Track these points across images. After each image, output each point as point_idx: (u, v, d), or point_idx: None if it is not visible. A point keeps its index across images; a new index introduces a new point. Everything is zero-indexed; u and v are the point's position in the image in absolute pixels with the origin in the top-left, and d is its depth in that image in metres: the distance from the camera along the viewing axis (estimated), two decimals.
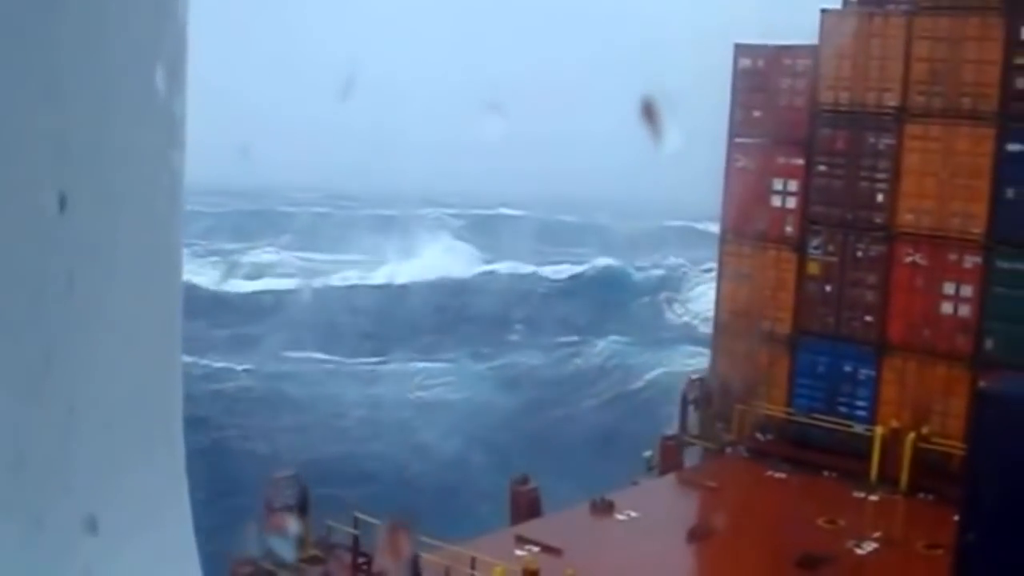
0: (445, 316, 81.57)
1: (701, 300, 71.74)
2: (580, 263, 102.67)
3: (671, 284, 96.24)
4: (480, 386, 66.10)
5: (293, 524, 27.50)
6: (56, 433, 2.52)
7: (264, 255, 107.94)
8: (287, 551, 27.34)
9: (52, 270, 2.44)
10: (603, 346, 74.73)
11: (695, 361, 50.01)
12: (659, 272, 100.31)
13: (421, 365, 69.82)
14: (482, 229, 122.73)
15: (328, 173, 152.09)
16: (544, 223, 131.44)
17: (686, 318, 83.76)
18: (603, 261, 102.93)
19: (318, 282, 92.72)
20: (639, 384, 67.14)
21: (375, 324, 77.03)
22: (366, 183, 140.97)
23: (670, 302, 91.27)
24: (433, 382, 66.85)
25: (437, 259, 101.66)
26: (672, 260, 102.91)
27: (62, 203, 2.41)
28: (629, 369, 70.39)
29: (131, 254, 2.63)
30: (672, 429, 36.59)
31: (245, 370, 65.13)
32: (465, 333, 76.58)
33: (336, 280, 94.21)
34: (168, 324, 2.81)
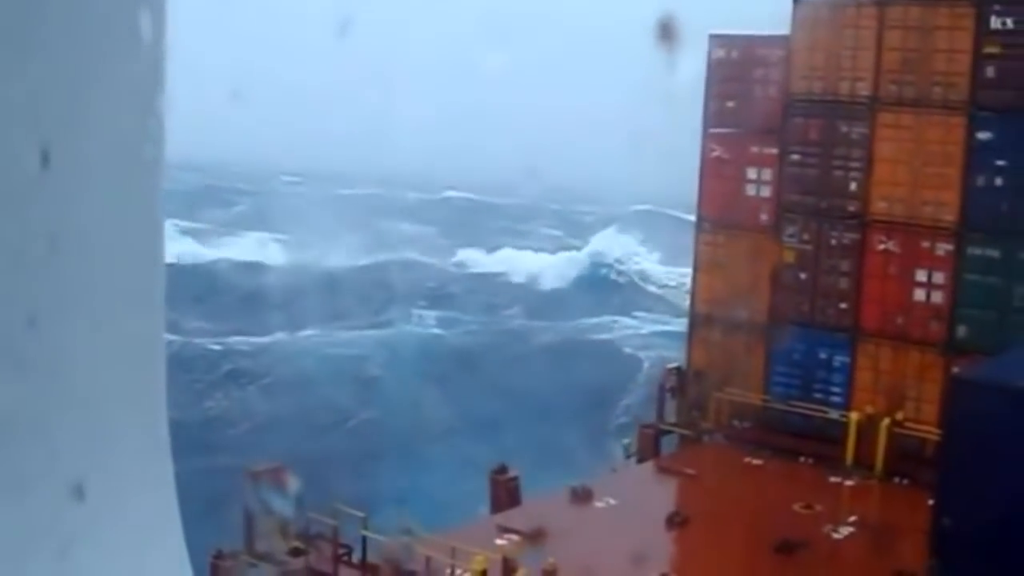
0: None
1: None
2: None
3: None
4: None
5: (293, 481, 27.43)
6: (40, 398, 2.49)
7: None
8: (287, 508, 27.34)
9: (34, 230, 2.41)
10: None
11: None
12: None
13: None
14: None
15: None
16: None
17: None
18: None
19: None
20: None
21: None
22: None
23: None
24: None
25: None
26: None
27: (44, 159, 2.38)
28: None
29: (114, 213, 2.60)
30: (650, 417, 36.85)
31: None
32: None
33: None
34: (151, 287, 2.80)
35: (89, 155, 2.49)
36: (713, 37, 36.49)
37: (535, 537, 24.11)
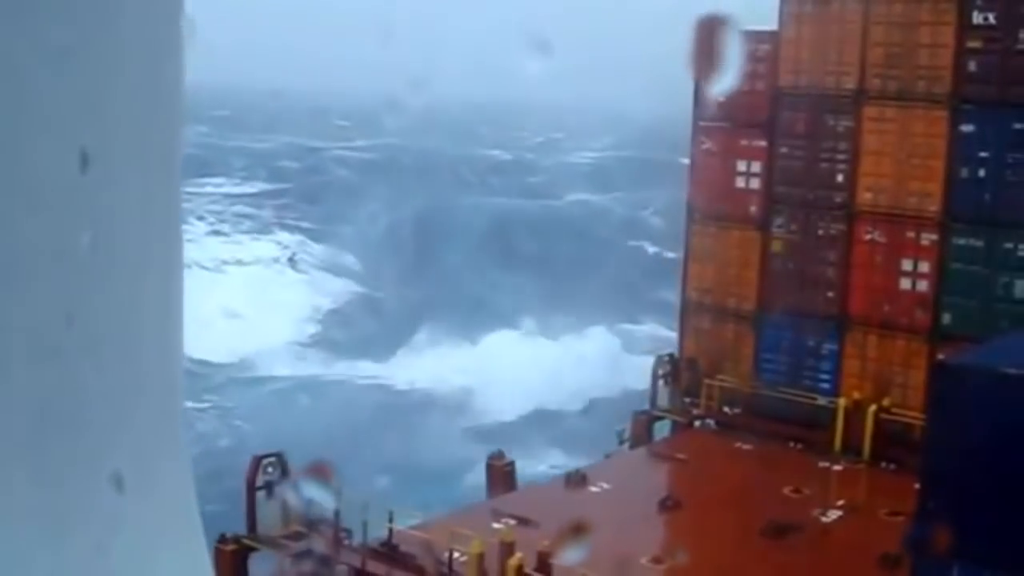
0: None
1: None
2: None
3: None
4: None
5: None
6: (78, 392, 2.56)
7: None
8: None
9: (74, 230, 2.48)
10: None
11: None
12: None
13: None
14: None
15: None
16: None
17: None
18: None
19: None
20: None
21: None
22: None
23: None
24: None
25: None
26: None
27: (84, 162, 2.44)
28: None
29: (145, 214, 2.68)
30: (644, 404, 37.25)
31: None
32: None
33: None
34: (174, 284, 2.88)
35: (124, 158, 2.57)
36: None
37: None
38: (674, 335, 38.89)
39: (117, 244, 2.59)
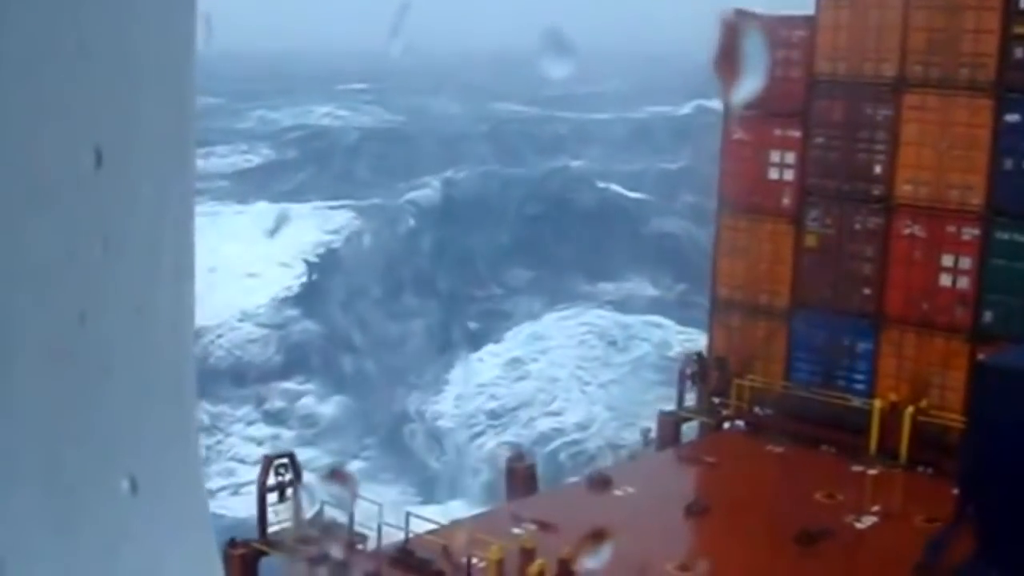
0: None
1: None
2: None
3: None
4: None
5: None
6: (90, 394, 2.56)
7: None
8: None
9: (88, 230, 2.49)
10: None
11: None
12: None
13: None
14: None
15: None
16: None
17: None
18: None
19: None
20: None
21: None
22: None
23: None
24: None
25: None
26: None
27: (98, 160, 2.45)
28: None
29: (158, 213, 2.69)
30: (671, 404, 36.65)
31: None
32: None
33: None
34: (187, 282, 2.88)
35: (139, 156, 2.58)
36: (734, 14, 35.93)
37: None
38: None
39: (129, 243, 2.60)
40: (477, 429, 60.14)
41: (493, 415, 61.00)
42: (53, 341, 2.48)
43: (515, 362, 66.10)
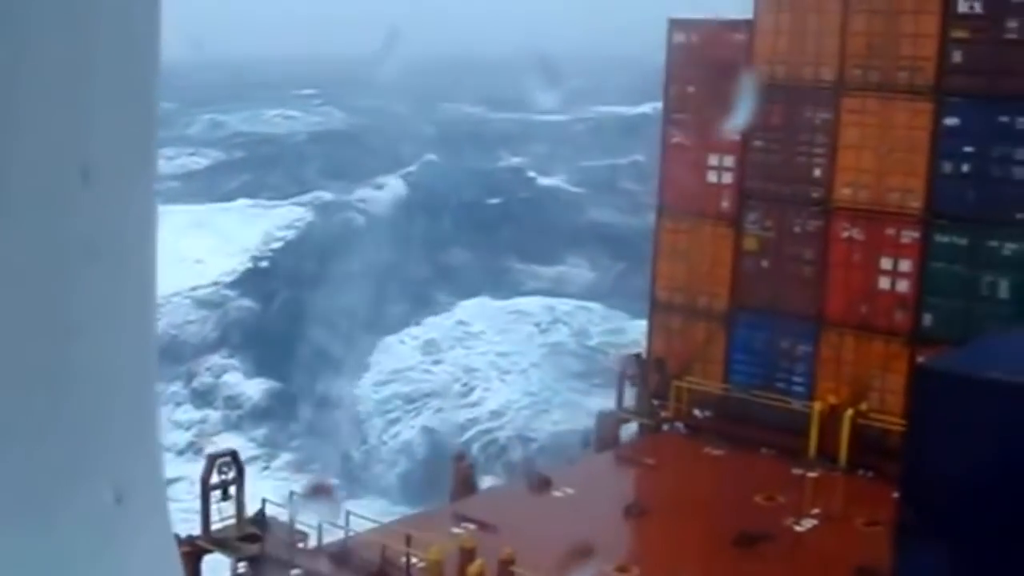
0: None
1: None
2: None
3: None
4: None
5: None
6: (78, 404, 2.61)
7: None
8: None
9: (74, 242, 2.54)
10: None
11: None
12: None
13: None
14: None
15: None
16: None
17: None
18: None
19: None
20: None
21: None
22: None
23: None
24: None
25: None
26: None
27: (84, 176, 2.51)
28: None
29: (137, 225, 2.75)
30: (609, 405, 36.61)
31: None
32: None
33: None
34: (151, 291, 2.90)
35: (121, 171, 2.64)
36: (674, 22, 36.03)
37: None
38: None
39: (102, 250, 2.62)
40: (392, 416, 60.36)
41: (408, 399, 61.25)
42: (41, 352, 2.53)
43: (431, 345, 66.52)
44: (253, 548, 27.97)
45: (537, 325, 68.02)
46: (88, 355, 2.64)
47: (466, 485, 31.96)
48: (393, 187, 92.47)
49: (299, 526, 27.75)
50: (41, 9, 2.42)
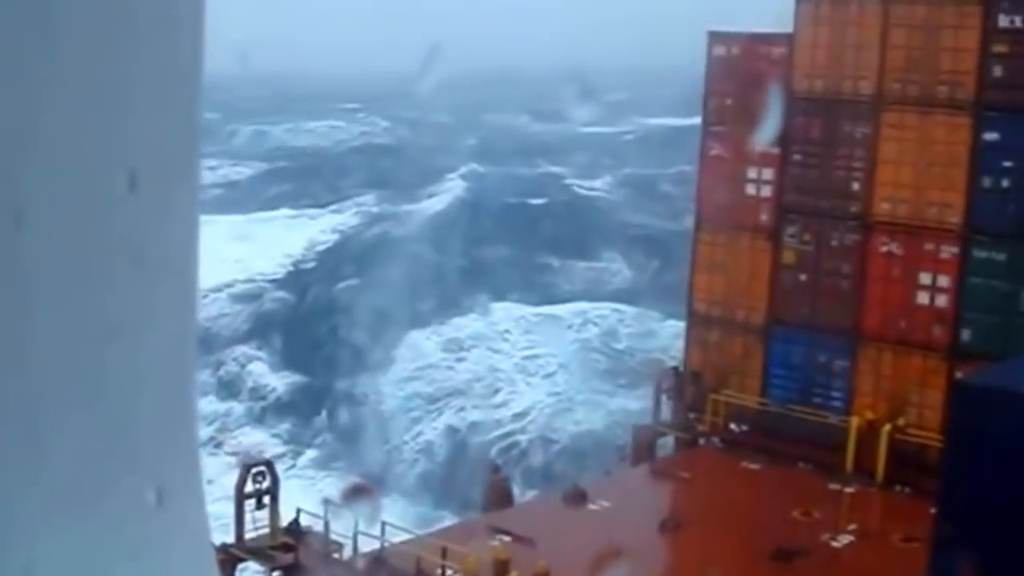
0: None
1: None
2: None
3: None
4: None
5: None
6: (122, 410, 2.65)
7: None
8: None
9: (120, 249, 2.59)
10: None
11: None
12: None
13: None
14: None
15: None
16: None
17: None
18: None
19: None
20: None
21: None
22: None
23: None
24: None
25: None
26: None
27: (131, 183, 2.55)
28: None
29: (183, 232, 2.77)
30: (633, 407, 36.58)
31: None
32: None
33: None
34: (193, 297, 2.92)
35: (165, 179, 2.66)
36: (713, 34, 35.97)
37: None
38: None
39: (164, 260, 2.70)
40: (414, 415, 60.33)
41: (431, 399, 61.28)
42: (86, 360, 2.57)
43: (453, 343, 66.47)
44: (287, 558, 28.08)
45: (570, 327, 67.80)
46: (130, 358, 2.68)
47: (502, 497, 31.92)
48: (439, 195, 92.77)
49: (334, 536, 27.78)
50: (86, 18, 2.45)
